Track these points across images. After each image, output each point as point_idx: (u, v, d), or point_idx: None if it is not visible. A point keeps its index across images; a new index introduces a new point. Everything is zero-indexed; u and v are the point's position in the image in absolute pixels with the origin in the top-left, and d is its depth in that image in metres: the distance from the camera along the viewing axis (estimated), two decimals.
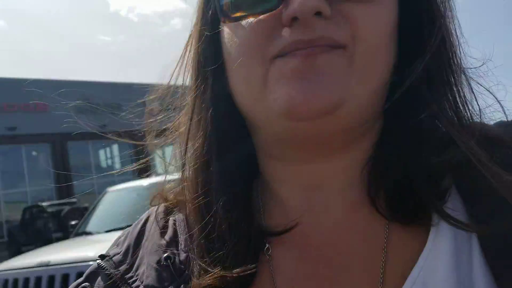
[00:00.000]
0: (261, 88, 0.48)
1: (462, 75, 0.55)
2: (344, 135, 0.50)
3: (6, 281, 4.50)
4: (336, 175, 0.54)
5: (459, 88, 0.54)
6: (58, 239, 7.11)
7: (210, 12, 0.55)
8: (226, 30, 0.53)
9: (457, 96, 0.54)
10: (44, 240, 13.44)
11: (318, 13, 0.45)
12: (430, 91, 0.51)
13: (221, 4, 0.51)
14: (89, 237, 5.52)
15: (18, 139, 24.51)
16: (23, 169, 24.73)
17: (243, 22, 0.49)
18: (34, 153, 25.36)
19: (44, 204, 17.96)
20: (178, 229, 0.61)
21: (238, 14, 0.49)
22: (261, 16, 0.48)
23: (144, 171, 0.76)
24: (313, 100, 0.44)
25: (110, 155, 27.03)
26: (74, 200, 18.17)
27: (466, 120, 0.53)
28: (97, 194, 7.08)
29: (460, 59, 0.55)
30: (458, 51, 0.54)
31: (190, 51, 0.60)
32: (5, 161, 24.00)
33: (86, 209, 9.30)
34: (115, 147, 27.26)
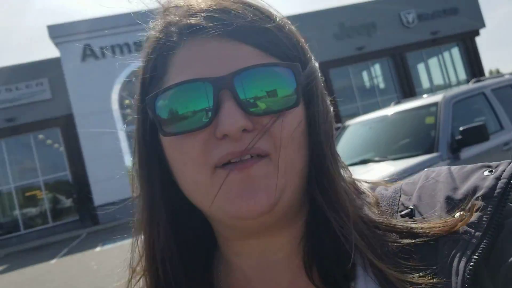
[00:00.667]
0: (207, 193, 0.55)
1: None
2: (280, 220, 0.58)
3: None
4: (280, 247, 0.60)
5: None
6: None
7: (148, 122, 0.61)
8: (166, 140, 0.58)
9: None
10: None
11: (244, 129, 0.53)
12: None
13: (158, 121, 0.56)
14: None
15: None
16: None
17: (181, 137, 0.55)
18: None
19: None
20: None
21: (175, 131, 0.55)
22: (196, 132, 0.54)
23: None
24: (254, 206, 0.53)
25: (372, 75, 26.97)
26: (338, 125, 19.37)
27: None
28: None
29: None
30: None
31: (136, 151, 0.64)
32: None
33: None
34: (377, 67, 27.93)
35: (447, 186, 0.56)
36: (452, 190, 0.55)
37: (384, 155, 4.95)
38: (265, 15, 0.59)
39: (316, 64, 0.64)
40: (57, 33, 21.17)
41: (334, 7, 26.39)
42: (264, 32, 0.58)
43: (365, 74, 28.18)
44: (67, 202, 24.27)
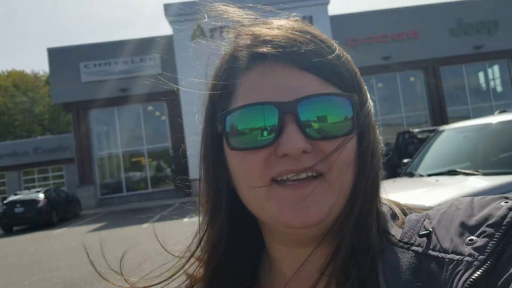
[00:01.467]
0: (263, 202, 0.62)
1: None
2: (324, 233, 0.64)
3: None
4: (318, 257, 0.64)
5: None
6: None
7: (216, 133, 0.67)
8: (231, 152, 0.64)
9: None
10: None
11: (304, 151, 0.59)
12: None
13: (226, 135, 0.63)
14: (410, 180, 5.18)
15: (393, 67, 25.77)
16: (399, 95, 27.08)
17: (246, 152, 0.61)
18: (411, 79, 26.77)
19: (415, 130, 18.61)
20: None
21: (241, 146, 0.62)
22: (260, 149, 0.61)
23: None
24: (305, 220, 0.59)
25: (489, 77, 25.78)
26: (433, 128, 18.25)
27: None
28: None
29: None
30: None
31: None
32: (382, 89, 26.83)
33: None
34: (495, 69, 26.76)
35: (464, 213, 0.59)
36: (468, 217, 0.58)
37: (476, 168, 4.56)
38: (327, 46, 0.65)
39: (368, 95, 0.69)
40: (172, 11, 22.29)
41: (452, 1, 25.18)
42: (326, 62, 0.63)
43: (481, 75, 26.56)
44: (166, 172, 25.87)
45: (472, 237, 0.55)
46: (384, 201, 0.70)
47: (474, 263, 0.53)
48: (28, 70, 72.38)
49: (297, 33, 0.65)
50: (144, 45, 24.28)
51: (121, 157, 26.07)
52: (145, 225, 13.92)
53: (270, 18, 0.71)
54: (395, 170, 19.91)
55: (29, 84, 61.67)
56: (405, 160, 6.41)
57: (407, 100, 26.32)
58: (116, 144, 26.01)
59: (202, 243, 0.73)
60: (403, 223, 0.65)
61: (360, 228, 0.62)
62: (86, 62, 24.70)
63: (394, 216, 0.68)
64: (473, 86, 26.25)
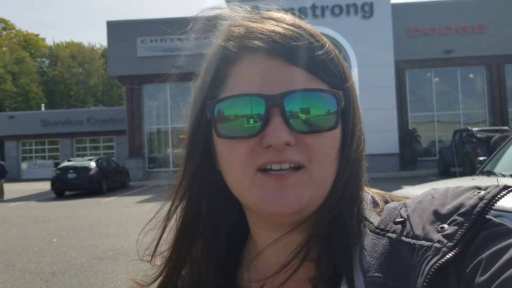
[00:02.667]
0: (248, 188, 0.65)
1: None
2: (303, 219, 0.66)
3: None
4: (297, 242, 0.66)
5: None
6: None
7: (204, 118, 0.69)
8: (219, 140, 0.67)
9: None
10: (470, 164, 14.86)
11: (287, 143, 0.62)
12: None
13: (215, 123, 0.66)
14: (489, 179, 4.80)
15: (454, 61, 24.89)
16: (458, 91, 26.32)
17: (233, 141, 0.64)
18: (471, 75, 26.16)
19: (474, 129, 17.94)
20: None
21: (228, 134, 0.65)
22: (246, 139, 0.63)
23: None
24: (285, 208, 0.62)
25: None
26: (506, 127, 17.48)
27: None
28: None
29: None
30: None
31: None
32: (441, 83, 25.86)
33: None
34: None
35: (438, 202, 0.61)
36: (441, 206, 0.60)
37: None
38: (317, 41, 0.67)
39: (356, 91, 0.72)
40: None
41: None
42: (315, 57, 0.65)
43: None
44: None
45: (443, 225, 0.58)
46: (367, 191, 0.73)
47: (442, 249, 0.55)
48: (85, 43, 74.62)
49: (288, 27, 0.66)
50: (199, 24, 24.44)
51: (170, 133, 26.56)
52: None
53: (266, 11, 0.72)
54: (449, 169, 19.37)
55: (85, 56, 63.82)
56: (481, 158, 6.11)
57: (466, 97, 25.35)
58: (166, 120, 26.50)
59: (179, 226, 0.75)
60: (382, 210, 0.68)
61: (338, 215, 0.64)
62: (143, 37, 25.15)
63: (375, 204, 0.70)
64: None
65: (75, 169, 20.16)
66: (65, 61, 61.33)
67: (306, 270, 0.65)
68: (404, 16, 23.65)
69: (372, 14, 22.87)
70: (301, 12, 23.60)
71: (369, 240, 0.64)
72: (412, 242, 0.59)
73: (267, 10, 0.73)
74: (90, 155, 30.96)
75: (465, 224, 0.56)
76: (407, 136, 23.17)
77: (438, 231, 0.57)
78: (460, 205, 0.58)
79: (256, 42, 0.65)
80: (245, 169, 0.64)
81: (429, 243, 0.57)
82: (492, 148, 13.56)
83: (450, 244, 0.55)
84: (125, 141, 27.67)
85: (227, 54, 0.68)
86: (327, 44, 0.68)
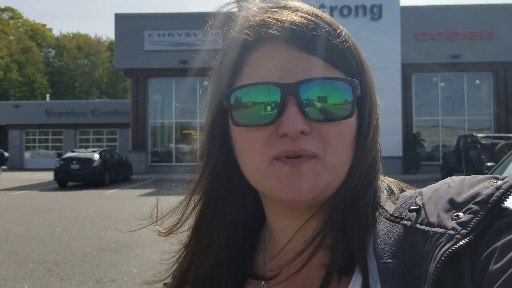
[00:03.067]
0: (263, 176, 0.65)
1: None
2: (318, 206, 0.67)
3: None
4: (311, 229, 0.67)
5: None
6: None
7: (222, 107, 0.70)
8: (235, 128, 0.68)
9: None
10: (474, 170, 15.00)
11: (302, 132, 0.62)
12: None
13: (231, 111, 0.67)
14: None
15: (460, 67, 24.85)
16: (464, 97, 26.41)
17: (248, 128, 0.66)
18: (477, 81, 26.32)
19: (479, 135, 17.87)
20: None
21: (244, 122, 0.65)
22: (262, 127, 0.64)
23: None
24: (298, 196, 0.63)
25: None
26: (511, 135, 17.38)
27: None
28: None
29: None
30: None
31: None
32: (447, 88, 25.89)
33: None
34: None
35: (454, 191, 0.61)
36: (457, 194, 0.60)
37: None
38: (334, 30, 0.66)
39: (373, 79, 0.72)
40: None
41: None
42: (331, 46, 0.65)
43: None
44: None
45: (458, 213, 0.57)
46: (383, 179, 0.73)
47: (455, 236, 0.55)
48: (92, 35, 74.76)
49: (305, 15, 0.67)
50: (208, 20, 24.48)
51: (174, 127, 26.61)
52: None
53: (281, 0, 0.72)
54: (452, 174, 19.31)
55: (91, 48, 63.90)
56: (489, 164, 6.14)
57: (471, 103, 25.29)
58: (170, 115, 26.55)
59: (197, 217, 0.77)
60: (397, 198, 0.69)
61: (354, 203, 0.65)
62: (151, 31, 25.18)
63: (391, 192, 0.71)
64: None
65: (78, 160, 20.22)
66: (71, 52, 61.41)
67: (321, 257, 0.66)
68: (413, 19, 23.59)
69: (381, 16, 22.86)
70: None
71: (383, 227, 0.64)
72: (426, 229, 0.59)
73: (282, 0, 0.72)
74: (93, 146, 30.93)
75: (480, 213, 0.56)
76: (410, 140, 23.16)
77: (452, 219, 0.57)
78: (476, 194, 0.58)
79: (272, 31, 0.65)
80: (261, 158, 0.65)
81: (443, 230, 0.57)
82: (496, 155, 13.51)
83: (464, 231, 0.55)
84: (128, 134, 27.72)
85: (243, 43, 0.68)
86: (344, 33, 0.68)
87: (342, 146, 0.65)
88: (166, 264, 0.81)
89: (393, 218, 0.64)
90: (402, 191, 0.71)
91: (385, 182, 0.73)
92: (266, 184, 0.66)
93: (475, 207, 0.57)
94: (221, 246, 0.75)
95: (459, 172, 16.91)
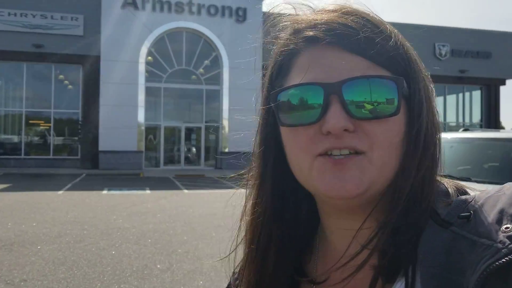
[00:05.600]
0: (308, 174, 0.67)
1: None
2: (365, 206, 0.67)
3: None
4: (363, 230, 0.67)
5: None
6: None
7: (271, 110, 0.72)
8: (283, 129, 0.71)
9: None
10: None
11: (346, 129, 0.63)
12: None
13: (278, 112, 0.69)
14: None
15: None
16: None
17: (295, 128, 0.68)
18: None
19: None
20: None
21: (290, 122, 0.68)
22: (307, 126, 0.66)
23: None
24: (342, 192, 0.63)
25: None
26: None
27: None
28: None
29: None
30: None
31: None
32: None
33: None
34: None
35: (507, 200, 0.59)
36: (509, 205, 0.58)
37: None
38: (377, 27, 0.67)
39: (427, 74, 0.72)
40: None
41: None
42: (374, 44, 0.65)
43: None
44: (71, 140, 24.64)
45: (509, 226, 0.56)
46: (441, 180, 0.71)
47: (503, 250, 0.53)
48: None
49: (349, 16, 0.68)
50: (67, 3, 22.97)
51: (24, 117, 24.28)
52: (60, 192, 13.55)
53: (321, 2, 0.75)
54: None
55: None
56: None
57: None
58: (21, 103, 24.16)
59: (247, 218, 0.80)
60: (452, 202, 0.67)
61: (409, 206, 0.65)
62: (1, 10, 22.63)
63: (447, 194, 0.69)
64: None
65: None
66: None
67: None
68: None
69: (245, 19, 24.03)
70: (178, 7, 23.59)
71: (432, 231, 0.62)
72: (473, 239, 0.57)
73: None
74: None
75: None
76: None
77: (502, 231, 0.55)
78: None
79: (316, 33, 0.67)
80: (306, 156, 0.67)
81: (490, 242, 0.55)
82: None
83: (511, 246, 0.53)
84: None
85: (289, 47, 0.71)
86: (388, 30, 0.68)
87: (390, 144, 0.65)
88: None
89: (443, 223, 0.63)
90: (459, 193, 0.70)
91: (444, 183, 0.72)
92: (312, 182, 0.67)
93: None
94: (277, 246, 0.77)
95: None
